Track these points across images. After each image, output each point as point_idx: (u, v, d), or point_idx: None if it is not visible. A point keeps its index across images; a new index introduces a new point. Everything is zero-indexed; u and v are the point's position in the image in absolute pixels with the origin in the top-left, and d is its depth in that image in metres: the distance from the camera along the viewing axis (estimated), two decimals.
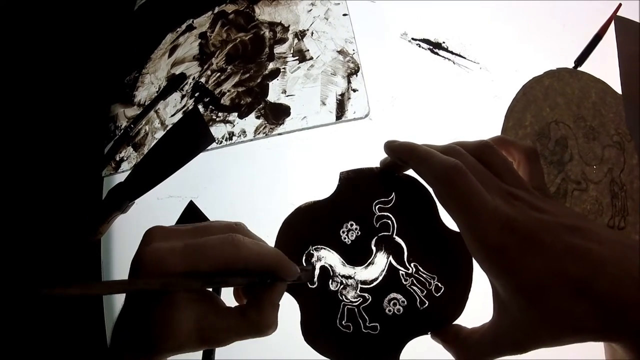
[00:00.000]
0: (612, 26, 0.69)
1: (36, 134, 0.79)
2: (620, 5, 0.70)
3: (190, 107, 0.76)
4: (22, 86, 0.80)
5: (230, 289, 0.42)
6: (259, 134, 0.71)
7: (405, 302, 0.41)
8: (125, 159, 0.77)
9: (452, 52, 0.71)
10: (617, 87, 0.67)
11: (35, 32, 0.82)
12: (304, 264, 0.43)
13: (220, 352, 0.60)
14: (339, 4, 0.76)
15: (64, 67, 0.83)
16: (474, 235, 0.33)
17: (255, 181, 0.70)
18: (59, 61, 0.83)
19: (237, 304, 0.40)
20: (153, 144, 0.75)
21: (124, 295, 0.36)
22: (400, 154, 0.40)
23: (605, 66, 0.68)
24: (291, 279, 0.39)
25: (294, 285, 0.42)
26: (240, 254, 0.35)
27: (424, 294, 0.41)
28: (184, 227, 0.38)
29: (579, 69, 0.68)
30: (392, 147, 0.41)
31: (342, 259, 0.43)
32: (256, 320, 0.37)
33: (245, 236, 0.38)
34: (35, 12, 0.83)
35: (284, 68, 0.74)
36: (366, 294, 0.42)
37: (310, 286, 0.42)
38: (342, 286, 0.42)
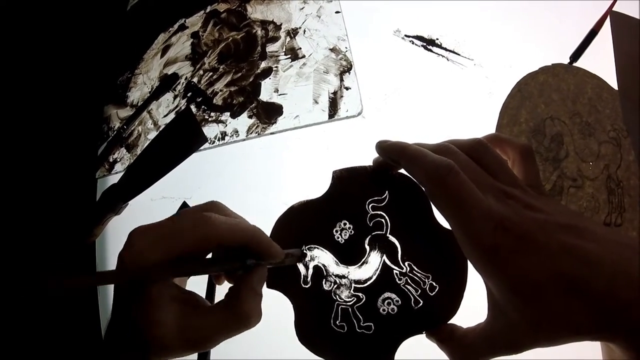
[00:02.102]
0: (607, 21, 0.69)
1: (29, 135, 0.79)
2: (615, 0, 0.69)
3: (182, 108, 0.76)
4: (15, 87, 0.79)
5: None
6: (251, 133, 0.71)
7: (400, 302, 0.41)
8: (118, 160, 0.77)
9: (445, 49, 0.70)
10: (613, 82, 0.66)
11: (28, 34, 0.82)
12: (297, 264, 0.42)
13: (216, 353, 0.60)
14: (331, 1, 0.76)
15: (57, 69, 0.83)
16: (466, 235, 0.33)
17: (248, 181, 0.69)
18: (51, 63, 0.83)
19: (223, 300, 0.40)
20: (146, 144, 0.75)
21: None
22: (392, 153, 0.40)
23: (601, 62, 0.67)
24: (272, 257, 0.38)
25: (286, 281, 0.42)
26: (212, 231, 0.35)
27: (419, 293, 0.41)
28: (161, 221, 0.37)
29: (574, 64, 0.67)
30: (383, 147, 0.41)
31: (335, 259, 0.42)
32: (237, 311, 0.36)
33: (222, 211, 0.38)
34: (28, 14, 0.82)
35: (276, 67, 0.74)
36: (360, 294, 0.41)
37: (303, 286, 0.42)
38: (335, 286, 0.42)
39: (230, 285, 0.39)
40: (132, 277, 0.33)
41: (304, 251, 0.43)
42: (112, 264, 0.72)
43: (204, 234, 0.35)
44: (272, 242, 0.38)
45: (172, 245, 0.34)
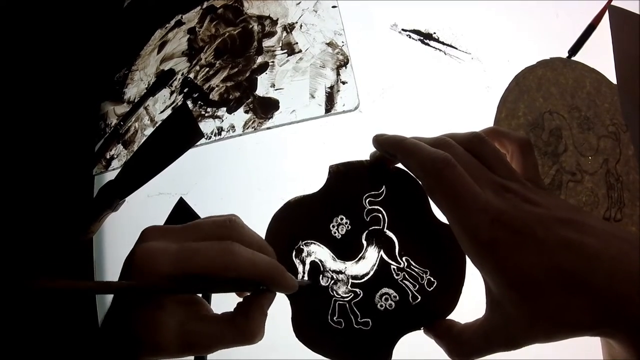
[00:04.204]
0: (606, 15, 0.68)
1: (26, 132, 0.78)
2: None
3: (179, 103, 0.75)
4: (11, 84, 0.79)
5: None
6: (247, 128, 0.70)
7: (397, 297, 0.41)
8: (115, 156, 0.77)
9: (443, 43, 0.70)
10: (611, 77, 0.66)
11: (24, 31, 0.82)
12: (294, 259, 0.42)
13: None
14: None
15: (54, 66, 0.83)
16: (464, 230, 0.33)
17: (244, 176, 0.69)
18: (48, 59, 0.83)
19: (226, 310, 0.40)
20: (143, 141, 0.75)
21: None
22: (388, 147, 0.39)
23: (600, 56, 0.67)
24: (286, 291, 0.38)
25: None
26: (234, 264, 0.35)
27: (416, 288, 0.41)
28: (180, 227, 0.38)
29: (572, 58, 0.67)
30: (380, 141, 0.40)
31: (332, 254, 0.42)
32: (243, 328, 0.36)
33: (240, 232, 0.38)
34: (24, 11, 0.82)
35: (273, 61, 0.74)
36: (357, 289, 0.41)
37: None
38: (332, 281, 0.42)
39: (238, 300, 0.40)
40: (142, 292, 0.33)
41: (301, 246, 0.42)
42: (109, 260, 0.71)
43: (226, 265, 0.35)
44: (288, 277, 0.38)
45: (191, 265, 0.34)
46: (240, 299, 0.39)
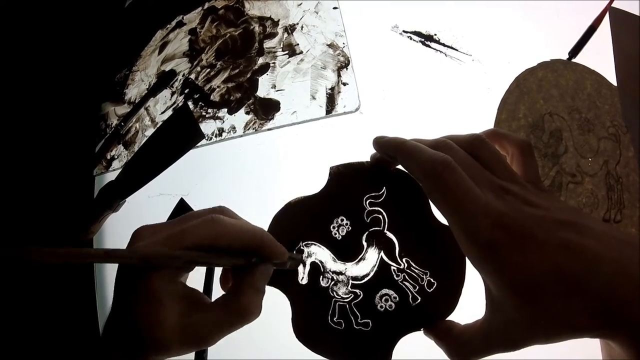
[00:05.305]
0: (606, 17, 0.69)
1: (27, 133, 0.78)
2: None
3: (180, 104, 0.75)
4: (12, 85, 0.79)
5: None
6: (248, 129, 0.70)
7: (397, 298, 0.41)
8: (116, 157, 0.77)
9: (444, 45, 0.70)
10: (612, 78, 0.66)
11: (25, 31, 0.82)
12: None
13: (213, 351, 0.60)
14: None
15: (54, 66, 0.83)
16: (464, 232, 0.33)
17: (245, 177, 0.69)
18: (49, 60, 0.83)
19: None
20: (143, 141, 0.75)
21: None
22: (389, 149, 0.39)
23: (600, 58, 0.67)
24: (277, 258, 0.38)
25: (283, 279, 0.41)
26: (220, 232, 0.35)
27: (416, 289, 0.41)
28: (169, 221, 0.38)
29: (573, 60, 0.67)
30: (380, 143, 0.40)
31: (332, 255, 0.42)
32: (236, 306, 0.36)
33: (229, 214, 0.38)
34: (25, 11, 0.82)
35: (274, 63, 0.74)
36: (357, 290, 0.41)
37: (300, 282, 0.42)
38: (332, 282, 0.42)
39: None
40: (143, 258, 0.33)
41: (302, 247, 0.42)
42: None
43: (214, 234, 0.35)
44: (277, 242, 0.38)
45: (181, 243, 0.34)
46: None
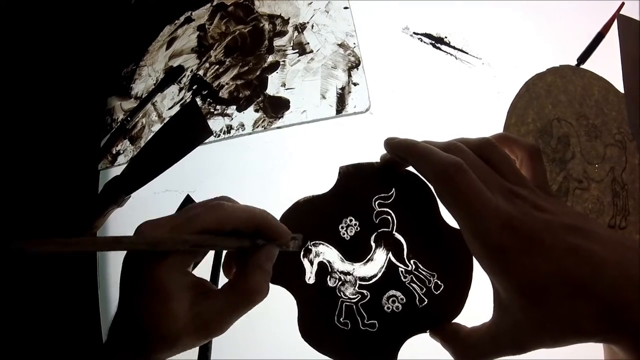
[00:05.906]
0: (614, 25, 0.69)
1: (32, 127, 0.78)
2: (623, 4, 0.69)
3: (188, 100, 0.76)
4: (19, 79, 0.79)
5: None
6: (257, 127, 0.70)
7: (404, 300, 0.41)
8: (121, 152, 0.77)
9: (454, 47, 0.70)
10: (619, 85, 0.66)
11: (32, 26, 0.82)
12: (302, 260, 0.42)
13: (216, 350, 0.60)
14: None
15: (61, 60, 0.83)
16: (474, 234, 0.33)
17: (253, 175, 0.69)
18: (56, 54, 0.83)
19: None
20: (150, 137, 0.75)
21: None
22: (400, 151, 0.39)
23: (608, 65, 0.67)
24: (280, 237, 0.38)
25: (290, 277, 0.42)
26: (225, 216, 0.36)
27: (424, 291, 0.41)
28: (173, 214, 0.38)
29: (581, 66, 0.67)
30: (391, 144, 0.40)
31: (340, 255, 0.42)
32: (244, 286, 0.36)
33: (231, 201, 0.39)
34: (32, 5, 0.82)
35: (284, 61, 0.74)
36: (365, 291, 0.41)
37: (308, 282, 0.42)
38: (340, 282, 0.42)
39: None
40: (151, 243, 0.33)
41: (310, 247, 0.42)
42: (113, 256, 0.71)
43: (218, 218, 0.35)
44: (279, 222, 0.39)
45: (188, 229, 0.34)
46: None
